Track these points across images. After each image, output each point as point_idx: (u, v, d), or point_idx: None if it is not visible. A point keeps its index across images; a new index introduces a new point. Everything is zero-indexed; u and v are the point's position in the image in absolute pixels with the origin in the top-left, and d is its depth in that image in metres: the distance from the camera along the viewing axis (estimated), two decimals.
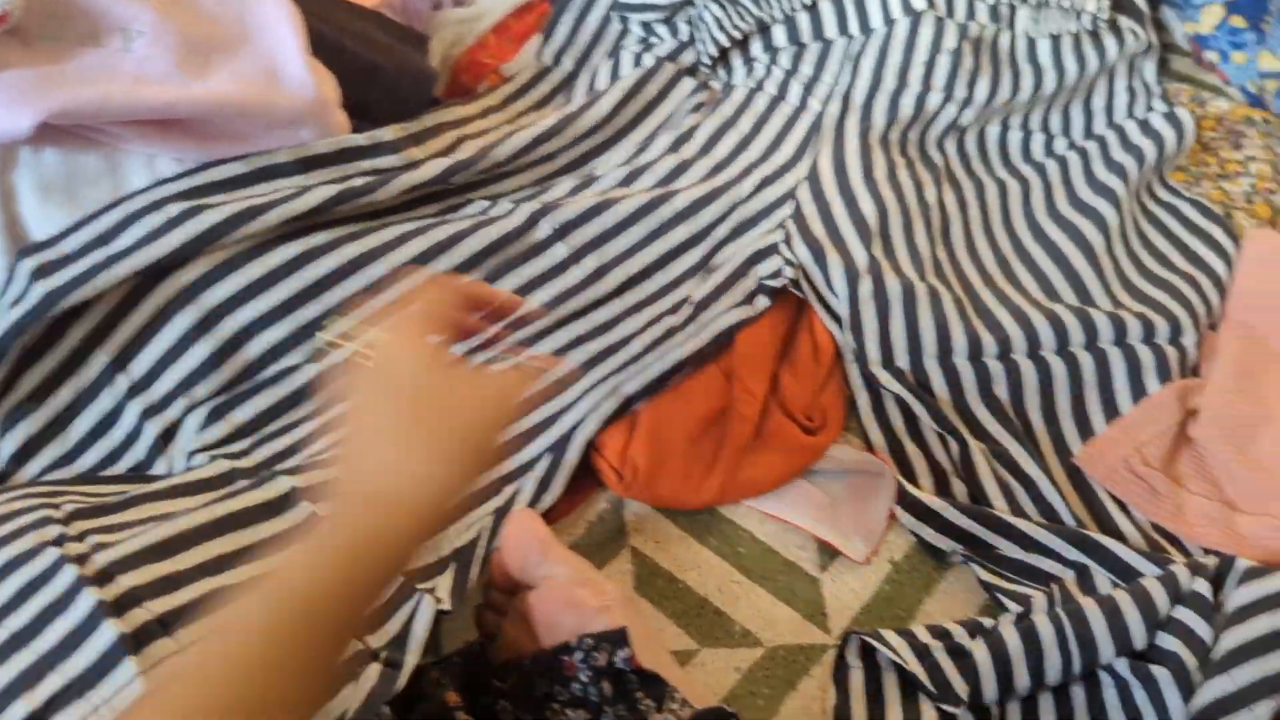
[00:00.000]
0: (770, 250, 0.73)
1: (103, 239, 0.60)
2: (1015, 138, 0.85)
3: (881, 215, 0.74)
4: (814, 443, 0.66)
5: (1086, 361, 0.68)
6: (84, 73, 0.57)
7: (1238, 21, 0.87)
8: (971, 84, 0.83)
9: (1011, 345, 0.69)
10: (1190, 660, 0.52)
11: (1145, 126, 0.82)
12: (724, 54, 0.89)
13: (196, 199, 0.62)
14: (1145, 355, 0.68)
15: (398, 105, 0.75)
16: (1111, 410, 0.67)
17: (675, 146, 0.80)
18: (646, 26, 0.88)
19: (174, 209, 0.60)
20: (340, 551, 0.36)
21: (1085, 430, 0.67)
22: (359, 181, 0.66)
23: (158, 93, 0.57)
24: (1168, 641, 0.53)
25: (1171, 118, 0.81)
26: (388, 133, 0.71)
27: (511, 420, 0.43)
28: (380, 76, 0.75)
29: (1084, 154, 0.81)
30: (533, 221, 0.70)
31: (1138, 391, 0.67)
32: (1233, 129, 0.84)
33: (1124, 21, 0.86)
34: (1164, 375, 0.67)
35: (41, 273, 0.59)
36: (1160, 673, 0.52)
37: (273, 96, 0.61)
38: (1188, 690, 0.51)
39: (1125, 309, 0.72)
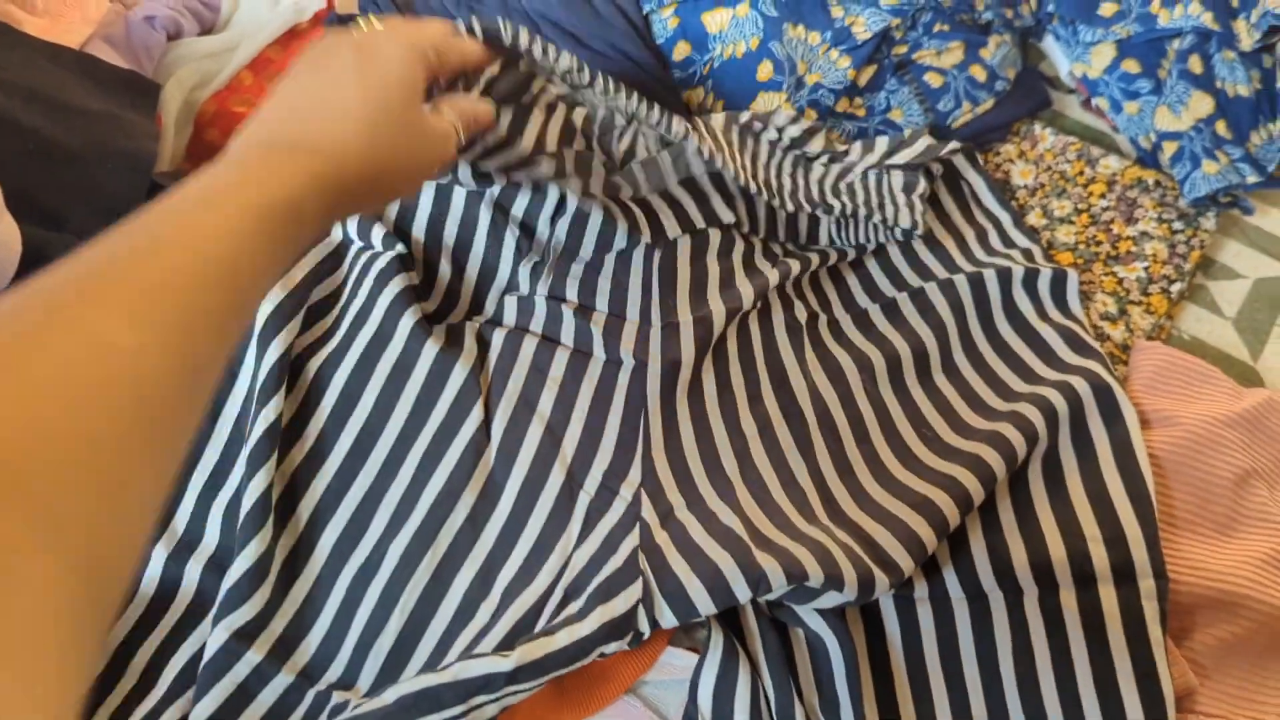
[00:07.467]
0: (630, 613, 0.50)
1: None
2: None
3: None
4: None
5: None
6: None
7: (1131, 66, 0.75)
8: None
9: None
10: None
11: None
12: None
13: None
14: None
15: (101, 201, 0.57)
16: None
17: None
18: None
19: None
20: (243, 207, 0.35)
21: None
22: None
23: None
24: None
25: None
26: None
27: (441, 156, 0.46)
28: (73, 167, 0.56)
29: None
30: None
31: None
32: (1125, 195, 0.74)
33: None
34: None
35: None
36: None
37: None
38: None
39: None
